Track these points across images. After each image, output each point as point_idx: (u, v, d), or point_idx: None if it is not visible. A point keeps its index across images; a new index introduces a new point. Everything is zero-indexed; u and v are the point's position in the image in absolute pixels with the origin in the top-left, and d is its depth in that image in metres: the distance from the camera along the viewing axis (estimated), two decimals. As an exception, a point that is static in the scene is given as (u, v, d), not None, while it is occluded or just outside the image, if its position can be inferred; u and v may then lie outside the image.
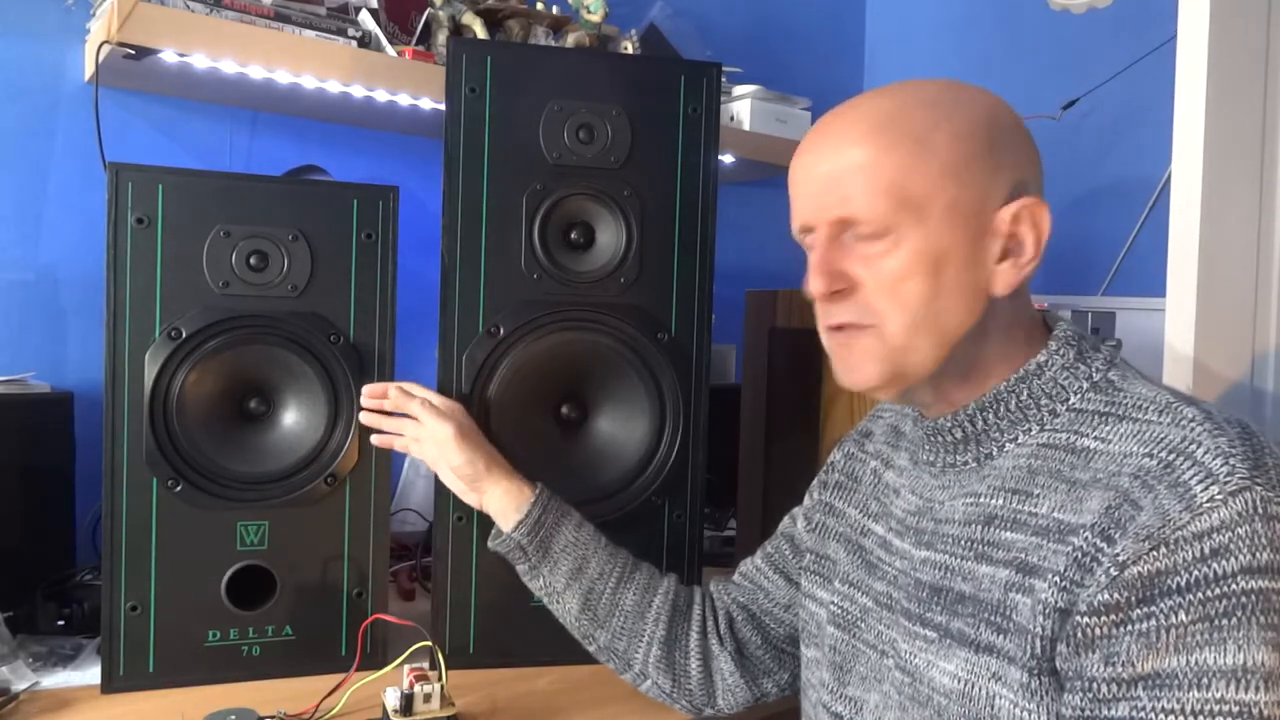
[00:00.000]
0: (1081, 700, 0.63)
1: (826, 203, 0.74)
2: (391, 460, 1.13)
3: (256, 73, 1.26)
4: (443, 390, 1.11)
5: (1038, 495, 0.70)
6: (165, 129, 1.43)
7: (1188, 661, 0.60)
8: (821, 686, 0.86)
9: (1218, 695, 0.59)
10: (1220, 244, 1.15)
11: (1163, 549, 0.61)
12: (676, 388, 1.15)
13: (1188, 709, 0.59)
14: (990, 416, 0.76)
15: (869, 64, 2.23)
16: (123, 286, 1.02)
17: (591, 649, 1.01)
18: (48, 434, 1.19)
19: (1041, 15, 1.83)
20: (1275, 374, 1.23)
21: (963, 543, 0.74)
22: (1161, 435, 0.67)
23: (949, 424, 0.77)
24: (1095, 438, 0.70)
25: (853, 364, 0.76)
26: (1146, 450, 0.66)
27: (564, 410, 1.16)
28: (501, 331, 1.12)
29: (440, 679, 0.96)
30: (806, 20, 2.15)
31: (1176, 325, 1.14)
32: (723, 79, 1.20)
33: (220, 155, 1.48)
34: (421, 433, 1.06)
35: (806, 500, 0.99)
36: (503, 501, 1.01)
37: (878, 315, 0.74)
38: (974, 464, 0.77)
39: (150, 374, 1.02)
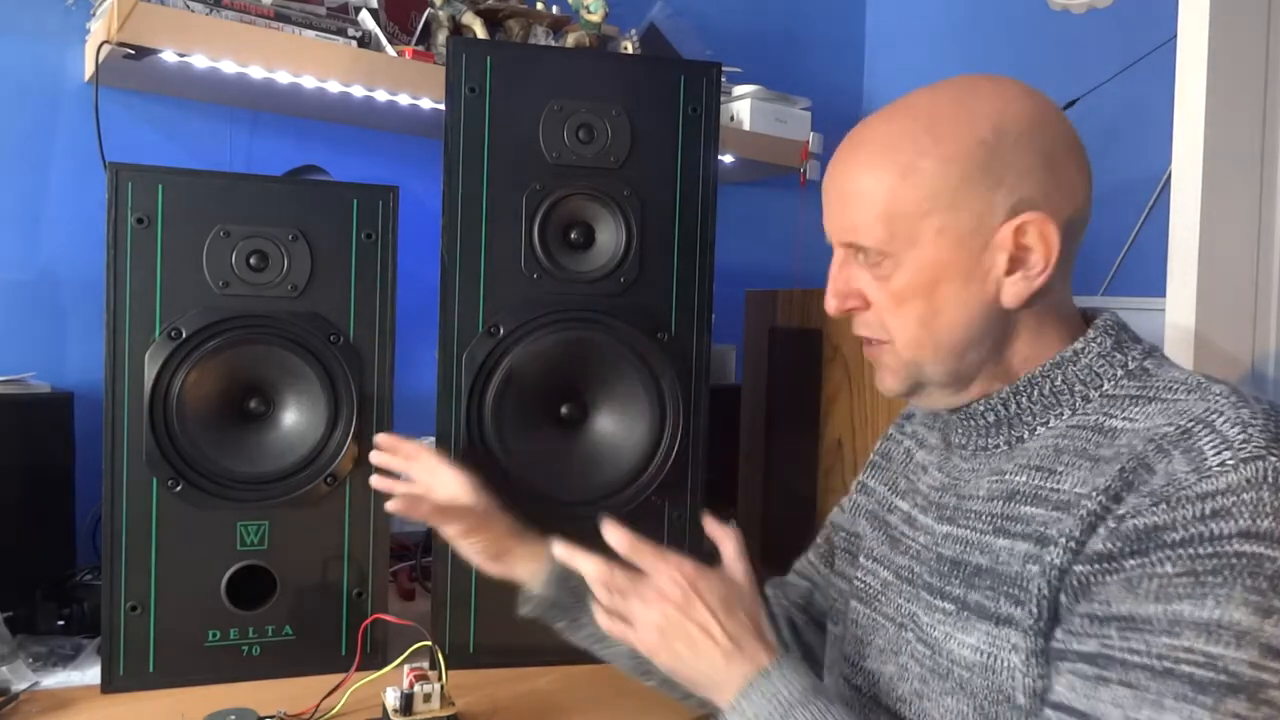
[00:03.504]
0: (1060, 634, 0.65)
1: (837, 226, 0.78)
2: (391, 460, 1.12)
3: (256, 73, 1.26)
4: (442, 390, 1.11)
5: (1061, 472, 0.71)
6: (165, 129, 1.43)
7: (1164, 610, 0.61)
8: (844, 661, 0.86)
9: (1186, 644, 0.59)
10: (1220, 244, 1.15)
11: (1163, 506, 0.62)
12: (676, 388, 1.15)
13: (1153, 653, 0.60)
14: (1024, 400, 0.77)
15: (869, 64, 2.23)
16: (123, 286, 1.02)
17: (650, 684, 0.96)
18: (48, 434, 1.19)
19: (1041, 15, 1.83)
20: (1275, 373, 1.23)
21: (984, 518, 0.75)
22: (1186, 408, 0.68)
23: (982, 408, 0.79)
24: (1124, 418, 0.71)
25: (879, 375, 0.82)
26: (1169, 421, 0.67)
27: (564, 410, 1.16)
28: (501, 331, 1.12)
29: (440, 679, 0.97)
30: (806, 20, 2.15)
31: (1176, 325, 1.14)
32: (723, 79, 1.20)
33: (220, 155, 1.47)
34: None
35: (852, 486, 1.00)
36: (524, 569, 0.97)
37: (889, 332, 0.78)
38: (1005, 447, 0.78)
39: (150, 374, 1.02)
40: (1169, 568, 0.61)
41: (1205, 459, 0.63)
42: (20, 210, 1.34)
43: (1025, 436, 0.77)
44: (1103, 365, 0.75)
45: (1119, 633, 0.62)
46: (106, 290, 1.02)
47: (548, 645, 1.10)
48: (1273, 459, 0.62)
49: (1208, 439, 0.64)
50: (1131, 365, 0.75)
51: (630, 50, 1.59)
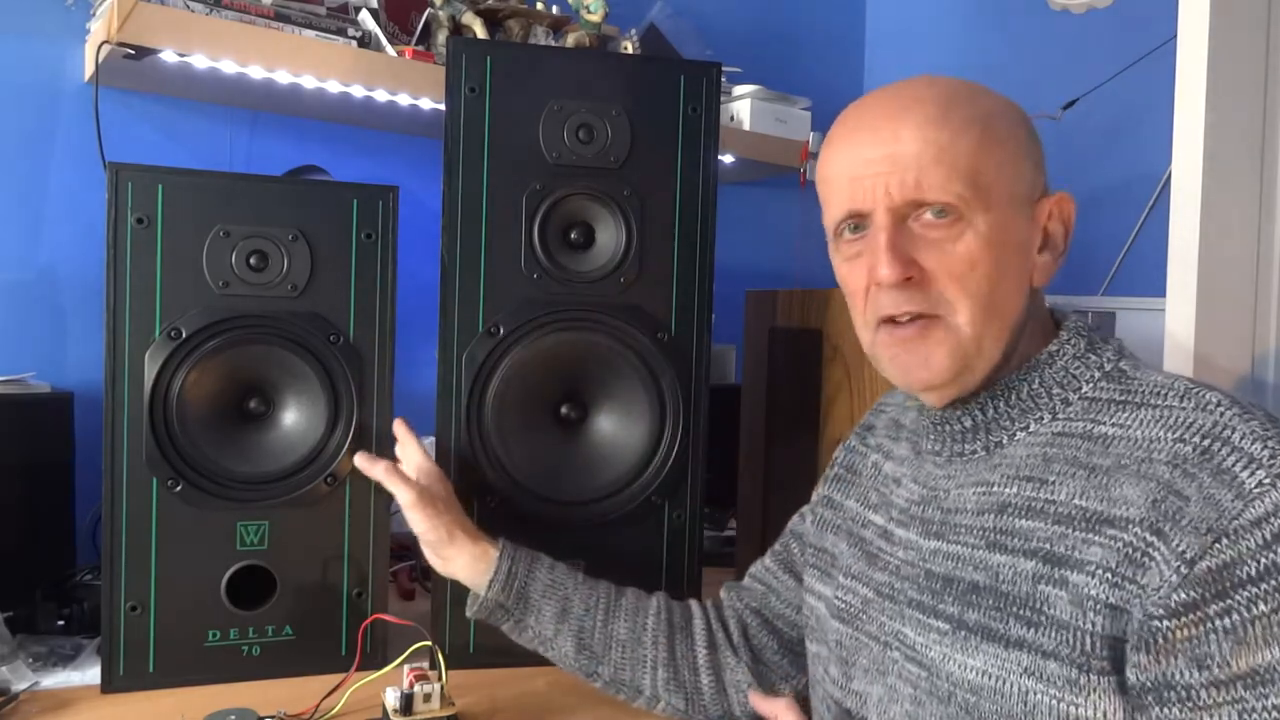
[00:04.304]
0: (1181, 712, 0.62)
1: (892, 184, 0.72)
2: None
3: (256, 73, 1.26)
4: (441, 390, 1.11)
5: (1053, 482, 0.70)
6: (165, 129, 1.43)
7: None
8: (829, 681, 0.85)
9: None
10: (1220, 244, 1.15)
11: (1225, 540, 0.61)
12: (676, 388, 1.15)
13: None
14: (1000, 405, 0.75)
15: (869, 64, 2.23)
16: (123, 286, 1.02)
17: (597, 685, 0.98)
18: (48, 434, 1.19)
19: (1041, 15, 1.83)
20: (1276, 373, 1.23)
21: (975, 532, 0.73)
22: (1189, 420, 0.66)
23: (958, 413, 0.77)
24: (1113, 424, 0.70)
25: (920, 359, 0.74)
26: (1177, 436, 0.66)
27: (564, 410, 1.16)
28: (501, 331, 1.12)
29: (440, 679, 0.97)
30: (806, 20, 2.15)
31: (1176, 325, 1.14)
32: (723, 79, 1.20)
33: (220, 155, 1.48)
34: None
35: (813, 496, 0.98)
36: (470, 568, 0.98)
37: (948, 305, 0.72)
38: (983, 453, 0.76)
39: (150, 374, 1.02)
40: (1263, 606, 0.60)
41: (1241, 481, 0.62)
42: (20, 210, 1.34)
43: (1004, 442, 0.75)
44: (1079, 367, 0.74)
45: (1249, 692, 0.60)
46: (106, 290, 1.02)
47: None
48: None
49: (1232, 458, 0.63)
50: (1108, 367, 0.74)
51: (630, 50, 1.59)
